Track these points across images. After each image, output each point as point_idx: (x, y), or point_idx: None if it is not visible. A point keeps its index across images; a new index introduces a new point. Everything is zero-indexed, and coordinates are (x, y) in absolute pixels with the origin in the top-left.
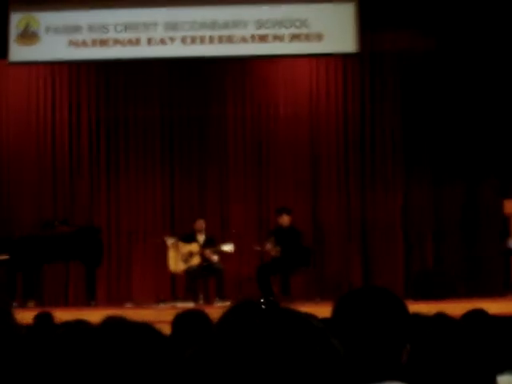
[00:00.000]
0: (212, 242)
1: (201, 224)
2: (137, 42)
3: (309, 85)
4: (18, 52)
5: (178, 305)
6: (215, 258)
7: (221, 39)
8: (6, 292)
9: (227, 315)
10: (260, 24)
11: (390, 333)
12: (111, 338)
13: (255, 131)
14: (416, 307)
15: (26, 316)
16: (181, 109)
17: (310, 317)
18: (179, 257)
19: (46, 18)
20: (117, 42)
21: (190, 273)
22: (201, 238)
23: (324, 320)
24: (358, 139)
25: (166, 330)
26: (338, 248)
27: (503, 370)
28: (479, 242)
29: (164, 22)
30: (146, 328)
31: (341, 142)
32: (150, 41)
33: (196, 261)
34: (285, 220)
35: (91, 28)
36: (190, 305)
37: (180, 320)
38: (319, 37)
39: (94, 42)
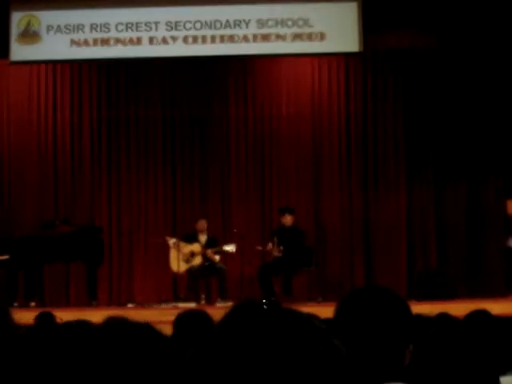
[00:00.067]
0: (214, 242)
1: (202, 224)
2: (138, 41)
3: (311, 84)
4: (19, 51)
5: (180, 305)
6: (217, 258)
7: (223, 38)
8: (7, 292)
9: (229, 315)
10: (262, 23)
11: (393, 333)
12: (113, 338)
13: (257, 131)
14: (419, 308)
15: (27, 316)
16: (182, 108)
17: (312, 317)
18: (181, 257)
19: (47, 17)
20: (118, 41)
21: (191, 273)
22: (203, 238)
23: (326, 320)
24: (360, 139)
25: (168, 330)
26: (341, 248)
27: (506, 370)
28: (482, 243)
29: (166, 22)
30: (147, 328)
31: (343, 142)
32: (151, 40)
33: (198, 261)
34: (287, 220)
35: (93, 27)
36: (191, 305)
37: (181, 320)
38: (322, 36)
39: (96, 42)
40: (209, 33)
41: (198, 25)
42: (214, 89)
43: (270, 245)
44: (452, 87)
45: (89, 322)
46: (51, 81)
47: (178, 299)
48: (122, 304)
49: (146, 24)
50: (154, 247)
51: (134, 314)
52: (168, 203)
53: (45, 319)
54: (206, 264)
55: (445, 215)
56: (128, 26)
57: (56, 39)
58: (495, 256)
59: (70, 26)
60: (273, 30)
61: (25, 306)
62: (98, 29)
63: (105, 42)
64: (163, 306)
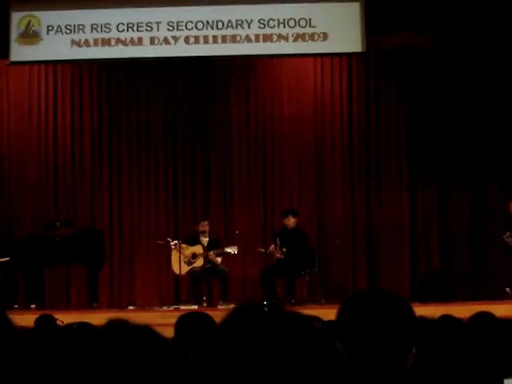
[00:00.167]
0: (216, 244)
1: (204, 226)
2: (139, 41)
3: (313, 84)
4: (19, 52)
5: (182, 307)
6: (219, 260)
7: (224, 39)
8: (7, 294)
9: (229, 317)
10: (264, 23)
11: (396, 336)
12: (113, 341)
13: (259, 131)
14: (422, 310)
15: (27, 319)
16: (184, 109)
17: (314, 319)
18: (182, 259)
19: (47, 18)
20: (119, 41)
21: (193, 275)
22: (204, 239)
23: (329, 323)
24: (362, 139)
25: (170, 332)
26: (344, 250)
27: (510, 373)
28: (485, 244)
29: (167, 22)
30: (147, 330)
31: (345, 142)
32: (152, 40)
33: (199, 263)
34: (291, 222)
35: (93, 27)
36: (193, 307)
37: (183, 322)
38: (324, 36)
39: (97, 42)
40: (210, 33)
41: (199, 25)
42: (216, 89)
43: (272, 246)
44: (455, 87)
45: (90, 324)
46: (52, 81)
47: (179, 301)
48: (123, 306)
49: (147, 24)
50: (156, 249)
51: (135, 316)
52: (169, 204)
53: (45, 322)
54: (208, 266)
55: (448, 217)
56: (129, 26)
57: (56, 39)
58: (499, 258)
59: (70, 26)
60: (275, 30)
61: (25, 308)
62: (99, 29)
63: (106, 42)
64: (165, 308)
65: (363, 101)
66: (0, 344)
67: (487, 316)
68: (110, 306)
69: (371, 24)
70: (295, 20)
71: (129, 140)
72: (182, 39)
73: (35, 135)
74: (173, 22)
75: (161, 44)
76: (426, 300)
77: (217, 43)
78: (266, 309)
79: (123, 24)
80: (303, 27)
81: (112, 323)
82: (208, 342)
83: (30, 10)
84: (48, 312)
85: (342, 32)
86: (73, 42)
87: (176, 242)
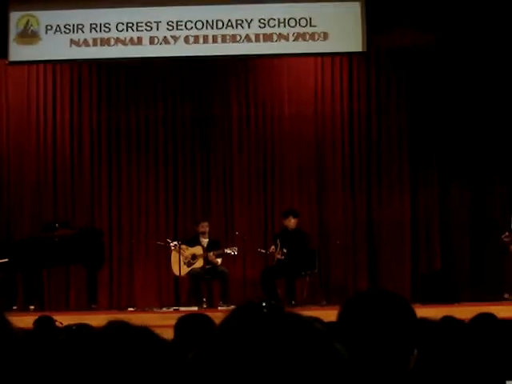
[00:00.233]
0: (216, 245)
1: (204, 226)
2: (139, 41)
3: (314, 84)
4: (18, 52)
5: (182, 308)
6: (219, 261)
7: (224, 38)
8: (6, 296)
9: (229, 319)
10: (264, 23)
11: (398, 337)
12: (112, 343)
13: (260, 131)
14: (423, 311)
15: (26, 320)
16: (184, 109)
17: (315, 320)
18: (182, 260)
19: (46, 17)
20: (119, 41)
21: (193, 276)
22: (204, 240)
23: (330, 324)
24: (363, 139)
25: (169, 334)
26: (344, 251)
27: None
28: (487, 245)
29: (167, 21)
30: (146, 332)
31: (346, 142)
32: (152, 40)
33: (199, 264)
34: (291, 223)
35: (92, 27)
36: (193, 309)
37: (183, 324)
38: (325, 36)
39: (96, 42)
40: (210, 32)
41: (199, 24)
42: (216, 89)
43: (272, 247)
44: (456, 86)
45: (89, 325)
46: (50, 81)
47: (179, 303)
48: (122, 308)
49: (146, 24)
50: (155, 250)
51: (135, 317)
52: (169, 205)
53: (44, 323)
54: (208, 267)
55: (449, 217)
56: (128, 26)
57: (55, 39)
58: (500, 259)
59: (69, 25)
60: (275, 30)
61: (24, 309)
62: (98, 29)
63: (105, 41)
64: (164, 309)
65: (364, 100)
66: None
67: (489, 317)
68: (110, 307)
69: (372, 23)
70: (295, 19)
71: (128, 140)
72: (181, 39)
73: (34, 135)
74: (172, 22)
75: (160, 44)
76: (427, 301)
77: (217, 43)
78: (265, 310)
79: (122, 24)
80: (304, 27)
81: (111, 325)
82: (207, 344)
83: (29, 10)
84: (47, 313)
85: (343, 31)
86: (72, 41)
87: (176, 242)
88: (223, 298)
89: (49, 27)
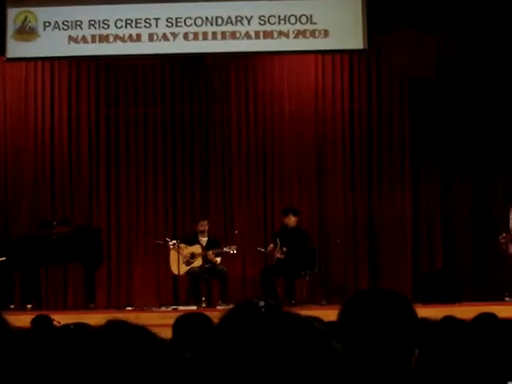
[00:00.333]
0: (215, 244)
1: (203, 225)
2: (138, 38)
3: (314, 82)
4: (16, 48)
5: (180, 308)
6: (218, 259)
7: (224, 35)
8: (3, 294)
9: (226, 318)
10: (264, 20)
11: (398, 337)
12: (110, 342)
13: (259, 129)
14: (424, 311)
15: (23, 319)
16: (183, 106)
17: (314, 320)
18: (181, 259)
19: (44, 14)
20: (117, 37)
21: (192, 275)
22: (203, 239)
23: (330, 323)
24: (364, 136)
25: (168, 333)
26: (345, 250)
27: None
28: (489, 244)
29: (166, 18)
30: (142, 331)
31: (347, 140)
32: (151, 37)
33: (198, 263)
34: (291, 221)
35: (91, 23)
36: (192, 308)
37: (181, 323)
38: (325, 33)
39: (94, 38)
40: (210, 29)
41: (198, 21)
42: (215, 86)
43: (271, 245)
44: (458, 84)
45: (87, 325)
46: (48, 78)
47: (178, 302)
48: (120, 307)
49: (145, 20)
50: (154, 249)
51: (133, 317)
52: (168, 203)
53: (42, 322)
54: (207, 266)
55: (451, 215)
56: (127, 23)
57: (53, 36)
58: (501, 259)
59: (67, 22)
60: (275, 27)
61: (21, 308)
62: (97, 25)
63: (103, 38)
64: (163, 308)
65: (365, 98)
66: None
67: (490, 317)
68: (108, 306)
69: (373, 22)
70: (296, 16)
71: (127, 138)
72: (180, 35)
73: (32, 132)
74: (171, 19)
75: (159, 40)
76: (428, 301)
77: (216, 40)
78: (263, 309)
79: (121, 20)
80: (304, 24)
81: (109, 324)
82: (205, 342)
83: (27, 6)
84: (44, 312)
85: (344, 29)
86: (70, 38)
87: (174, 241)
88: (222, 298)
89: (47, 24)
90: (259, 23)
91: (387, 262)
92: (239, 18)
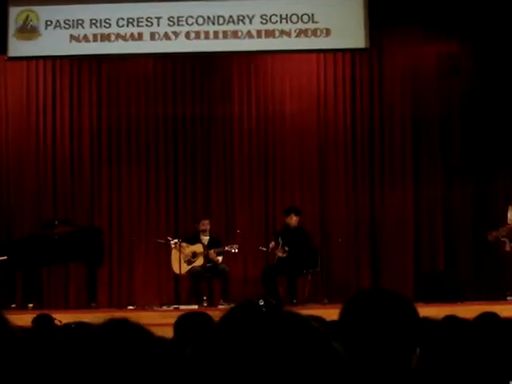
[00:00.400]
0: (216, 243)
1: (205, 224)
2: (139, 36)
3: (316, 81)
4: (17, 47)
5: (182, 307)
6: (219, 259)
7: (226, 34)
8: (5, 294)
9: (226, 317)
10: (266, 19)
11: (400, 336)
12: (110, 340)
13: (261, 129)
14: (426, 310)
15: (25, 318)
16: (185, 106)
17: (316, 319)
18: (182, 258)
19: (45, 12)
20: (119, 36)
21: (193, 274)
22: (205, 238)
23: (332, 323)
24: (366, 136)
25: (169, 332)
26: (346, 249)
27: None
28: (490, 244)
29: (167, 17)
30: (140, 330)
31: (349, 140)
32: (153, 36)
33: (200, 262)
34: (293, 220)
35: (93, 22)
36: (193, 307)
37: (182, 322)
38: (327, 32)
39: (96, 37)
40: (212, 28)
41: (200, 20)
42: (217, 86)
43: (272, 243)
44: (459, 83)
45: (88, 324)
46: (50, 77)
47: (179, 301)
48: (122, 306)
49: (147, 19)
50: (156, 248)
51: (135, 316)
52: (170, 203)
53: (43, 321)
54: (209, 265)
55: (453, 215)
56: (129, 22)
57: (55, 35)
58: (502, 258)
59: (69, 21)
60: (277, 26)
61: (23, 307)
62: (99, 24)
63: (105, 37)
64: (164, 308)
65: (367, 97)
66: None
67: (492, 316)
68: (109, 305)
69: (375, 21)
70: (298, 15)
71: (128, 137)
72: (182, 34)
73: (33, 132)
74: (173, 17)
75: (161, 39)
76: (429, 300)
77: (218, 39)
78: (263, 308)
79: (123, 19)
80: (306, 23)
81: (110, 322)
82: (205, 341)
83: (28, 5)
84: (46, 311)
85: (345, 28)
86: (72, 37)
87: (176, 240)
88: (224, 297)
89: (48, 22)
90: (261, 22)
91: (389, 262)
92: (241, 17)
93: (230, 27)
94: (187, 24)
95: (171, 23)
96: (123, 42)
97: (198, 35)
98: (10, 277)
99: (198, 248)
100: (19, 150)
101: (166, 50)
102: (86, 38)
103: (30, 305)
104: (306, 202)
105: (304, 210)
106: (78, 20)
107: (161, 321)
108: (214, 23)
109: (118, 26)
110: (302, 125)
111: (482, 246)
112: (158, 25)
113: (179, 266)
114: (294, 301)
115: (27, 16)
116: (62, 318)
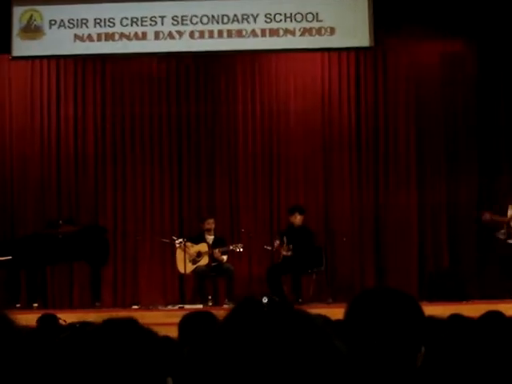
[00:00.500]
0: (221, 242)
1: (210, 223)
2: (144, 36)
3: (320, 80)
4: (21, 47)
5: (186, 306)
6: (224, 258)
7: (230, 33)
8: (9, 293)
9: (230, 315)
10: (270, 17)
11: (405, 335)
12: (113, 339)
13: (265, 128)
14: (430, 309)
15: (29, 318)
16: (189, 105)
17: (321, 318)
18: (187, 257)
19: (49, 12)
20: (123, 36)
21: (198, 274)
22: (210, 237)
23: (337, 322)
24: (370, 135)
25: (174, 331)
26: (351, 248)
27: None
28: (495, 242)
29: (172, 16)
30: (140, 329)
31: (353, 138)
32: (157, 35)
33: (204, 261)
34: (297, 219)
35: (97, 22)
36: (198, 306)
37: (187, 322)
38: (331, 31)
39: (100, 37)
40: (216, 27)
41: (204, 19)
42: (221, 85)
43: (277, 242)
44: (462, 82)
45: (93, 323)
46: (54, 77)
47: (184, 300)
48: (126, 305)
49: (151, 18)
50: (160, 247)
51: (140, 315)
52: (174, 202)
53: (48, 321)
54: (213, 264)
55: (457, 213)
56: (133, 21)
57: (59, 34)
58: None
59: (73, 20)
60: (282, 25)
61: (27, 307)
62: (103, 23)
63: (109, 36)
64: (169, 307)
65: (371, 96)
66: (2, 343)
67: (497, 315)
68: (114, 305)
69: (379, 20)
70: (302, 14)
71: (133, 136)
72: (186, 34)
73: (37, 131)
74: (177, 17)
75: (165, 39)
76: (434, 299)
77: (222, 38)
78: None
79: (127, 18)
80: (310, 21)
81: (111, 322)
82: (208, 340)
83: (32, 4)
84: (51, 311)
85: (350, 26)
86: (76, 36)
87: (181, 240)
88: (228, 296)
89: (52, 22)
90: (265, 21)
91: (393, 261)
92: (245, 16)
93: (235, 26)
94: (191, 23)
95: (175, 22)
96: (127, 42)
97: (202, 34)
98: (14, 276)
99: (203, 247)
100: (23, 149)
101: (170, 50)
102: (90, 38)
103: (35, 304)
104: (311, 201)
105: (308, 209)
106: (82, 19)
107: (165, 320)
108: (218, 22)
109: (122, 25)
110: (306, 124)
111: (487, 245)
112: (162, 24)
113: (184, 265)
114: (300, 300)
115: (31, 16)
116: (67, 317)
